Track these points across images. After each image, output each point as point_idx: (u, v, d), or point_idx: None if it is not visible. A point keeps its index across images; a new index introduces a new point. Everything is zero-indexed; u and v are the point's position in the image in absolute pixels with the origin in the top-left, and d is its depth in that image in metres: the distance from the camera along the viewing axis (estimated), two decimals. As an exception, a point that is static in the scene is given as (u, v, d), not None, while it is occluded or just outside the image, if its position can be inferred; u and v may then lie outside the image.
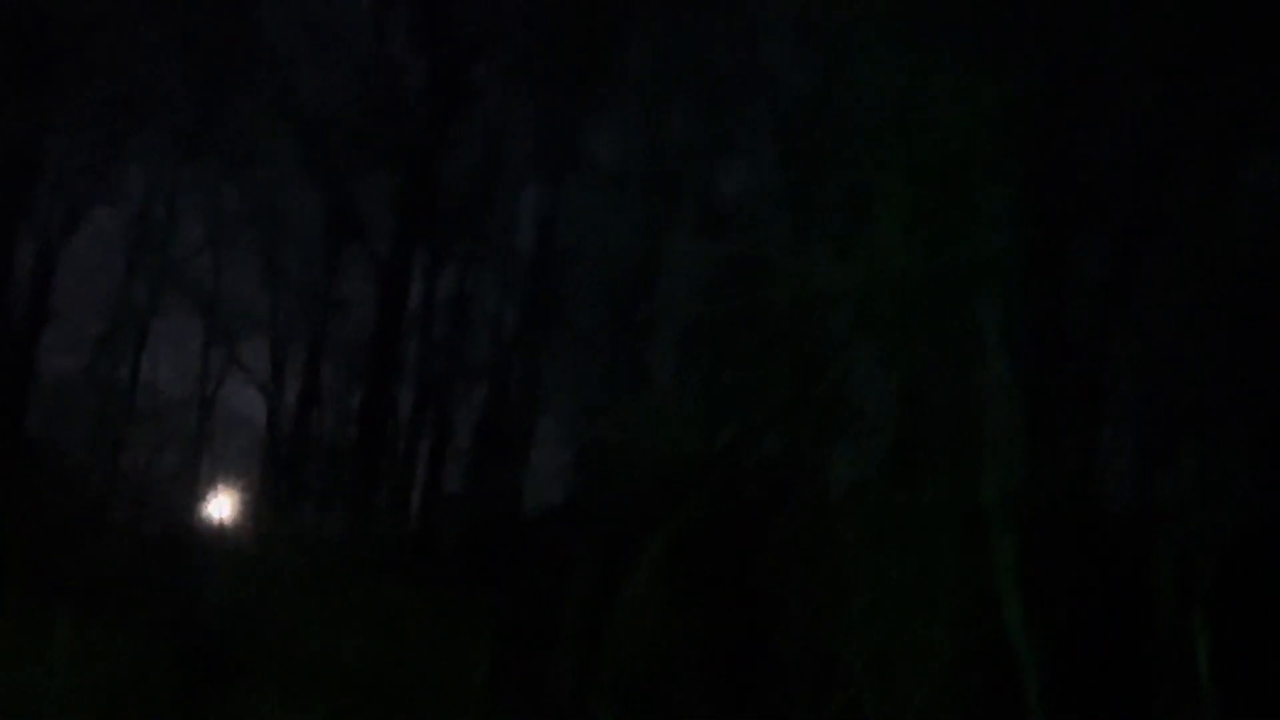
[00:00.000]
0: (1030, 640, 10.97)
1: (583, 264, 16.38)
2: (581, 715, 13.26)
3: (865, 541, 11.63)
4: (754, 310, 13.05)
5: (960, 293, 11.65)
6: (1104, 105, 11.34)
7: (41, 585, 14.35)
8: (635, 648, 13.19)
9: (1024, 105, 11.26)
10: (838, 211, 12.33)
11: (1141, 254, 11.59)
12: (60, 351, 19.43)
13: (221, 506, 20.79)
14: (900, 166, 11.71)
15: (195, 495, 20.65)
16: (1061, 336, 11.85)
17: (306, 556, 16.06)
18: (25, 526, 15.29)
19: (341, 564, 15.65)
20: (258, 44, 18.21)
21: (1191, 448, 11.04)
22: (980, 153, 11.27)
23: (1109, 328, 11.85)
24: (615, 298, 16.05)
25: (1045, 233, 11.79)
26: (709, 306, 14.09)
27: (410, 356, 18.69)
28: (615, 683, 13.15)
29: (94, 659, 13.84)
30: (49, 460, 18.86)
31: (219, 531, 20.17)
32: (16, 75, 16.83)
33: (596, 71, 15.84)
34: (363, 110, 17.81)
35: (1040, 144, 11.37)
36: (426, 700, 14.05)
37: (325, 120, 17.72)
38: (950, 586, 11.39)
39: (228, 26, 17.77)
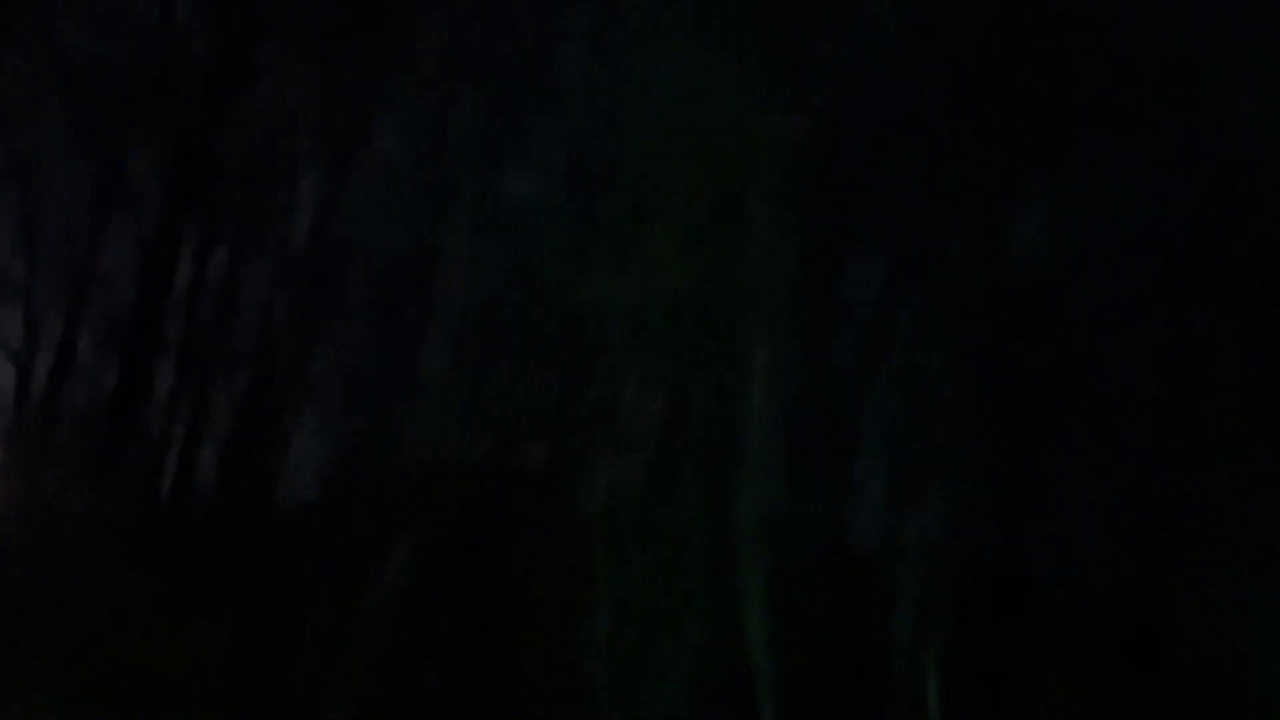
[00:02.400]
0: (771, 667, 11.02)
1: (359, 257, 16.06)
2: (318, 717, 12.96)
3: (616, 557, 11.57)
4: (528, 318, 12.93)
5: (730, 318, 11.70)
6: (882, 148, 11.52)
7: None
8: (378, 650, 12.95)
9: (805, 140, 11.35)
10: (618, 227, 12.30)
11: (907, 296, 11.78)
12: None
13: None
14: (680, 188, 11.72)
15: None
16: (825, 369, 11.97)
17: (45, 535, 15.49)
18: None
19: (81, 545, 15.10)
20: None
21: (938, 489, 11.22)
22: (759, 182, 11.34)
23: (871, 365, 12.01)
24: (389, 294, 15.78)
25: (817, 266, 11.90)
26: (483, 310, 13.92)
27: (173, 337, 18.10)
28: (355, 684, 12.89)
29: None
30: None
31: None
32: None
33: (385, 61, 15.56)
34: (140, 77, 17.19)
35: (818, 180, 11.48)
36: (157, 690, 13.63)
37: (99, 83, 17.04)
38: (697, 608, 11.40)
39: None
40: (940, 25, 10.96)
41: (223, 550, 16.48)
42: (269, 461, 19.00)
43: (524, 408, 12.72)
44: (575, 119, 13.64)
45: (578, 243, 12.96)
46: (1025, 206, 11.15)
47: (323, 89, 17.37)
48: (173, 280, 18.74)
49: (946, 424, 11.19)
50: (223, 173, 17.84)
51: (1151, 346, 10.35)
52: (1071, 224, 10.90)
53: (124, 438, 18.44)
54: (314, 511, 16.66)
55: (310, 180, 18.47)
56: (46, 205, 18.87)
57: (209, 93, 17.75)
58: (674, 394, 12.14)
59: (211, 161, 17.65)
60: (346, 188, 17.45)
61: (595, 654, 11.97)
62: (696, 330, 11.98)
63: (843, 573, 11.43)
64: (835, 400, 11.87)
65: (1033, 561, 11.07)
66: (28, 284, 19.26)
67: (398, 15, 16.13)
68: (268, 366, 18.98)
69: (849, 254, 11.90)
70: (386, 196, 15.45)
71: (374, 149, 16.86)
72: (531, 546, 12.31)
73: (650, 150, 12.30)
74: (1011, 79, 10.58)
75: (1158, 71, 10.10)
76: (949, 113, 10.97)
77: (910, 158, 11.55)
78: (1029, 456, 11.16)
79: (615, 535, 11.94)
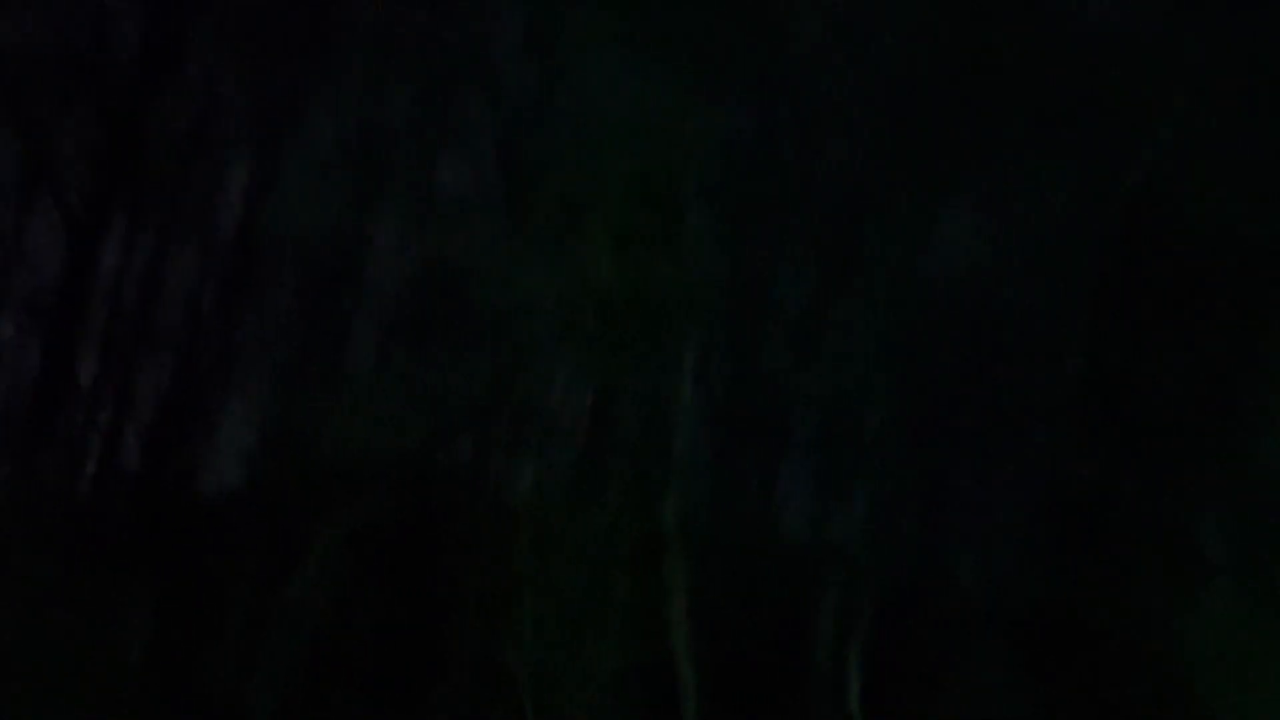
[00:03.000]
0: (694, 664, 11.07)
1: (288, 245, 15.91)
2: (239, 707, 12.84)
3: (542, 550, 11.58)
4: (458, 310, 12.89)
5: (661, 315, 11.74)
6: (815, 151, 11.60)
7: None
8: (301, 640, 12.85)
9: (738, 140, 11.43)
10: (550, 221, 12.27)
11: (837, 297, 11.86)
12: None
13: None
14: (614, 185, 11.74)
15: None
16: (754, 368, 12.03)
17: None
18: None
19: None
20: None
21: (863, 488, 11.33)
22: (692, 181, 11.40)
23: (800, 364, 12.08)
24: (318, 283, 15.65)
25: (749, 266, 11.97)
26: (413, 301, 13.86)
27: (97, 322, 17.83)
28: (277, 674, 12.78)
29: None
30: None
31: None
32: None
33: (318, 49, 15.41)
34: (69, 58, 16.88)
35: (751, 180, 11.55)
36: (73, 681, 13.44)
37: (27, 63, 16.71)
38: (622, 604, 11.43)
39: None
40: (873, 30, 11.06)
41: (145, 538, 16.29)
42: (193, 449, 18.79)
43: (452, 399, 12.68)
44: (509, 112, 13.60)
45: (510, 236, 12.93)
46: (953, 211, 11.27)
47: (253, 75, 17.18)
48: (98, 265, 18.51)
49: (873, 424, 11.29)
50: (151, 157, 17.61)
51: (1072, 351, 10.51)
52: (997, 229, 11.03)
53: (46, 424, 18.17)
54: (238, 500, 16.51)
55: (240, 167, 18.30)
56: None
57: (138, 76, 17.51)
58: (603, 389, 12.14)
59: (140, 145, 17.43)
60: (276, 175, 17.30)
61: (519, 646, 11.96)
62: (627, 326, 11.99)
63: (767, 569, 11.50)
64: (764, 399, 11.94)
65: (953, 560, 11.21)
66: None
67: (332, 3, 15.98)
68: (193, 353, 18.78)
69: (780, 254, 11.98)
70: (317, 185, 15.33)
71: (305, 137, 16.72)
72: (457, 538, 12.28)
73: (584, 146, 12.29)
74: (941, 86, 10.70)
75: (1083, 80, 10.25)
76: (880, 116, 11.07)
77: (842, 160, 11.65)
78: (952, 458, 11.29)
79: (541, 528, 11.93)
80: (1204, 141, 9.89)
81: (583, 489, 11.87)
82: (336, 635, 13.05)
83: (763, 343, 12.16)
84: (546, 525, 11.75)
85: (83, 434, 17.70)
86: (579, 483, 11.88)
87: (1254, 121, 9.68)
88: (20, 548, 14.47)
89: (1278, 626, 9.47)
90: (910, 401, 11.36)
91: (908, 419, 11.31)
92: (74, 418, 17.76)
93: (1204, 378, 9.71)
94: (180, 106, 17.19)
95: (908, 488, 11.32)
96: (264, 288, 16.58)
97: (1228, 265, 9.75)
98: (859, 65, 11.05)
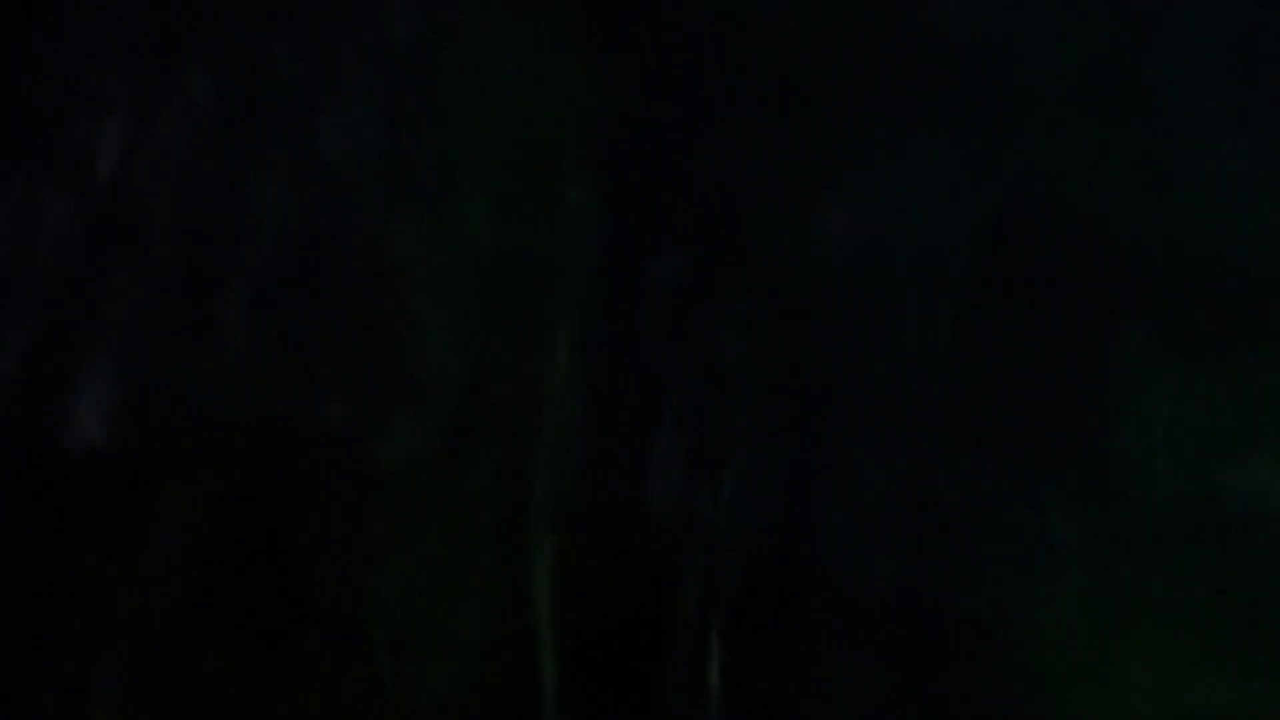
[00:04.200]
0: (556, 635, 11.13)
1: (163, 201, 15.64)
2: (89, 669, 12.66)
3: (409, 518, 11.57)
4: (334, 272, 12.80)
5: (539, 286, 11.75)
6: (696, 131, 11.67)
7: None
8: (157, 603, 12.71)
9: (623, 110, 11.46)
10: (432, 187, 12.24)
11: (716, 274, 11.95)
12: None
13: None
14: (497, 151, 11.73)
15: None
16: (630, 341, 12.09)
17: None
18: None
19: None
20: None
21: (735, 465, 11.45)
22: (574, 154, 11.41)
23: (677, 339, 12.16)
24: (192, 240, 15.41)
25: (628, 238, 12.01)
26: (289, 262, 13.71)
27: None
28: (131, 638, 12.63)
29: None
30: None
31: None
32: None
33: (200, 2, 15.17)
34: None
35: (634, 152, 11.59)
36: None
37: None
38: (487, 574, 11.46)
39: None
40: (758, 12, 11.16)
41: (1, 493, 16.00)
42: (54, 405, 18.42)
43: (324, 362, 12.59)
44: (394, 73, 13.49)
45: (390, 199, 12.86)
46: (831, 197, 11.40)
47: (132, 27, 16.83)
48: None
49: (746, 404, 11.41)
50: (22, 107, 17.21)
51: (939, 341, 10.70)
52: (874, 217, 11.19)
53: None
54: (99, 456, 16.23)
55: (117, 117, 17.91)
56: None
57: (8, 22, 17.06)
58: (477, 358, 12.13)
59: (10, 95, 17.01)
60: (154, 127, 16.99)
61: (381, 613, 11.94)
62: (504, 295, 12.00)
63: (633, 543, 11.58)
64: (639, 374, 12.00)
65: (819, 544, 11.36)
66: None
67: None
68: (60, 306, 18.40)
69: (660, 232, 12.04)
70: (195, 139, 15.08)
71: (184, 89, 16.42)
72: (323, 502, 12.20)
73: (469, 111, 12.26)
74: (823, 71, 10.82)
75: (964, 74, 10.43)
76: (762, 100, 11.17)
77: (722, 142, 11.72)
78: (821, 440, 11.44)
79: (409, 495, 11.91)
80: (1076, 140, 10.14)
81: (452, 457, 11.86)
82: (195, 596, 12.94)
83: (640, 318, 12.22)
84: (414, 492, 11.74)
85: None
86: (449, 450, 11.86)
87: (1124, 121, 9.94)
88: None
89: (1128, 619, 9.76)
90: (783, 383, 11.51)
91: (781, 400, 11.47)
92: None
93: (1066, 372, 9.96)
94: (54, 58, 16.82)
95: (777, 468, 11.47)
96: (136, 241, 16.30)
97: (1093, 263, 10.00)
98: (743, 49, 11.18)
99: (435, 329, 12.13)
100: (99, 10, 17.51)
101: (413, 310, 12.12)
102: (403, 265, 12.06)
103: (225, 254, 15.30)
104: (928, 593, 10.37)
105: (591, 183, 11.36)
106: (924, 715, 10.33)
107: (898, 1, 10.28)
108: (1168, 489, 8.89)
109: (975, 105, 9.99)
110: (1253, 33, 9.71)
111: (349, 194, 13.21)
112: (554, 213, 11.42)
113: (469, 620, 11.23)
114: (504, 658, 11.24)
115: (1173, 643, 9.28)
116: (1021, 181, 9.78)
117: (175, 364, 14.05)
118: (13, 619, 13.09)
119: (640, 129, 11.60)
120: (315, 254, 13.36)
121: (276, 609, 12.45)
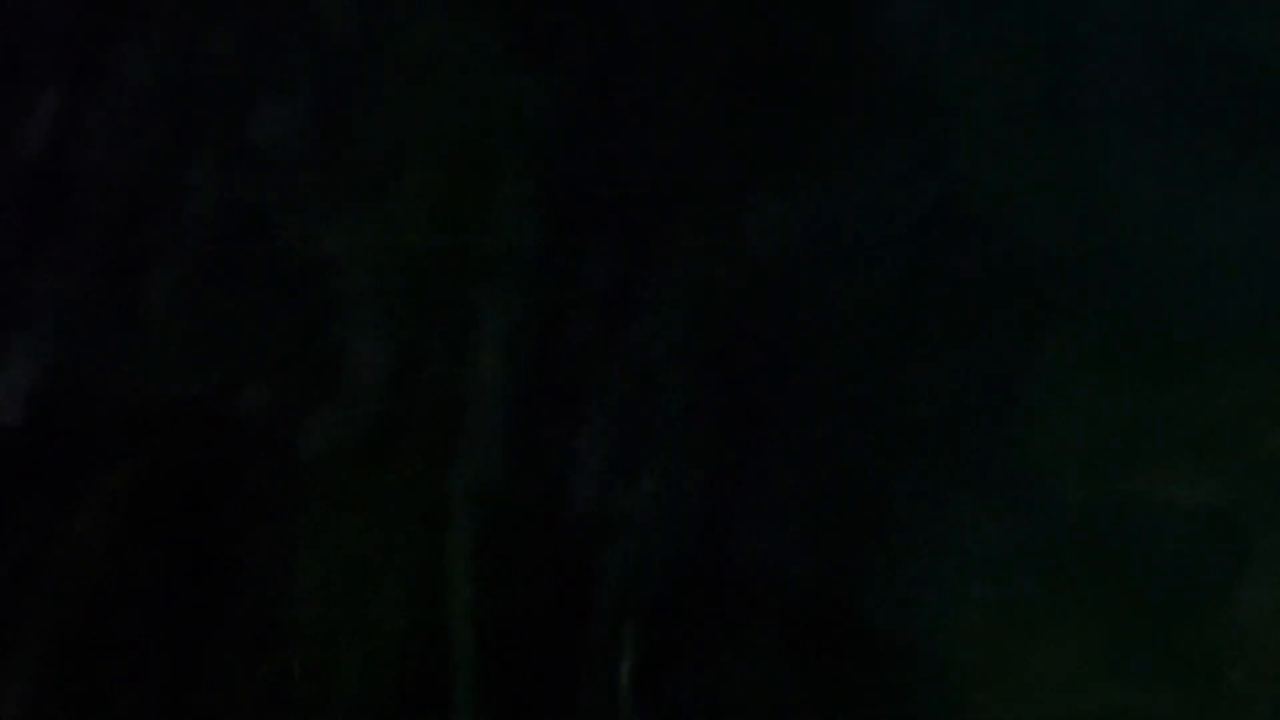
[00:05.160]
0: (472, 630, 11.11)
1: (92, 180, 15.48)
2: (7, 650, 12.52)
3: (330, 509, 11.54)
4: (264, 259, 12.74)
5: (469, 279, 11.77)
6: (636, 126, 11.73)
7: None
8: (76, 588, 12.58)
9: (559, 109, 11.50)
10: (366, 177, 12.22)
11: (645, 274, 12.00)
12: None
13: None
14: (432, 144, 11.74)
15: None
16: (558, 340, 12.11)
17: None
18: None
19: None
20: None
21: (656, 465, 11.50)
22: (507, 150, 11.44)
23: (604, 338, 12.19)
24: (121, 222, 15.26)
25: (561, 237, 12.05)
26: (219, 247, 13.64)
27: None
28: (49, 623, 12.49)
29: None
30: None
31: None
32: None
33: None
34: None
35: (569, 150, 11.63)
36: None
37: None
38: (406, 567, 11.43)
39: None
40: (697, 15, 11.23)
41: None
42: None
43: (248, 350, 12.52)
44: (331, 64, 13.43)
45: (323, 188, 12.81)
46: (760, 201, 11.46)
47: (65, 5, 16.63)
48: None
49: (669, 405, 11.44)
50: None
51: (867, 348, 10.81)
52: (804, 220, 11.26)
53: None
54: (18, 437, 16.04)
55: (47, 98, 17.69)
56: None
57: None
58: (405, 349, 12.11)
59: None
60: (87, 107, 16.80)
61: (301, 604, 11.86)
62: (434, 288, 11.97)
63: (553, 541, 11.58)
64: (566, 371, 12.03)
65: (736, 545, 11.42)
66: None
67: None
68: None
69: (593, 231, 12.08)
70: (127, 121, 14.94)
71: (119, 71, 16.24)
72: (244, 489, 12.11)
73: (405, 104, 12.24)
74: (759, 74, 10.88)
75: (898, 82, 10.54)
76: (698, 101, 11.23)
77: (658, 143, 11.79)
78: (743, 443, 11.50)
79: (331, 486, 11.85)
80: (1005, 153, 10.27)
81: (375, 449, 11.82)
82: (113, 582, 12.82)
83: (569, 316, 12.23)
84: (336, 482, 11.70)
85: None
86: (371, 442, 11.83)
87: (1051, 137, 10.08)
88: None
89: (1034, 625, 9.87)
90: (707, 384, 11.57)
91: (704, 401, 11.52)
92: None
93: (984, 379, 10.08)
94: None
95: (698, 469, 11.51)
96: (62, 222, 16.10)
97: (1016, 274, 10.13)
98: (682, 52, 11.22)
99: (362, 321, 12.09)
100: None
101: (340, 301, 12.09)
102: (332, 256, 12.03)
103: (152, 238, 15.17)
104: (839, 595, 10.46)
105: (526, 181, 11.39)
106: (832, 717, 10.40)
107: (835, 8, 10.37)
108: (1076, 497, 9.03)
109: (908, 113, 10.11)
110: (1179, 53, 9.88)
111: (281, 182, 13.14)
112: (487, 210, 11.43)
113: (385, 611, 11.18)
114: (418, 650, 11.22)
115: (1076, 648, 9.43)
116: (950, 191, 9.90)
117: (97, 347, 13.91)
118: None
119: (576, 128, 11.65)
120: (244, 241, 13.28)
121: (195, 596, 12.36)
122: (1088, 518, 9.63)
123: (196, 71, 14.20)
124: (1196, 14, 10.33)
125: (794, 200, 11.30)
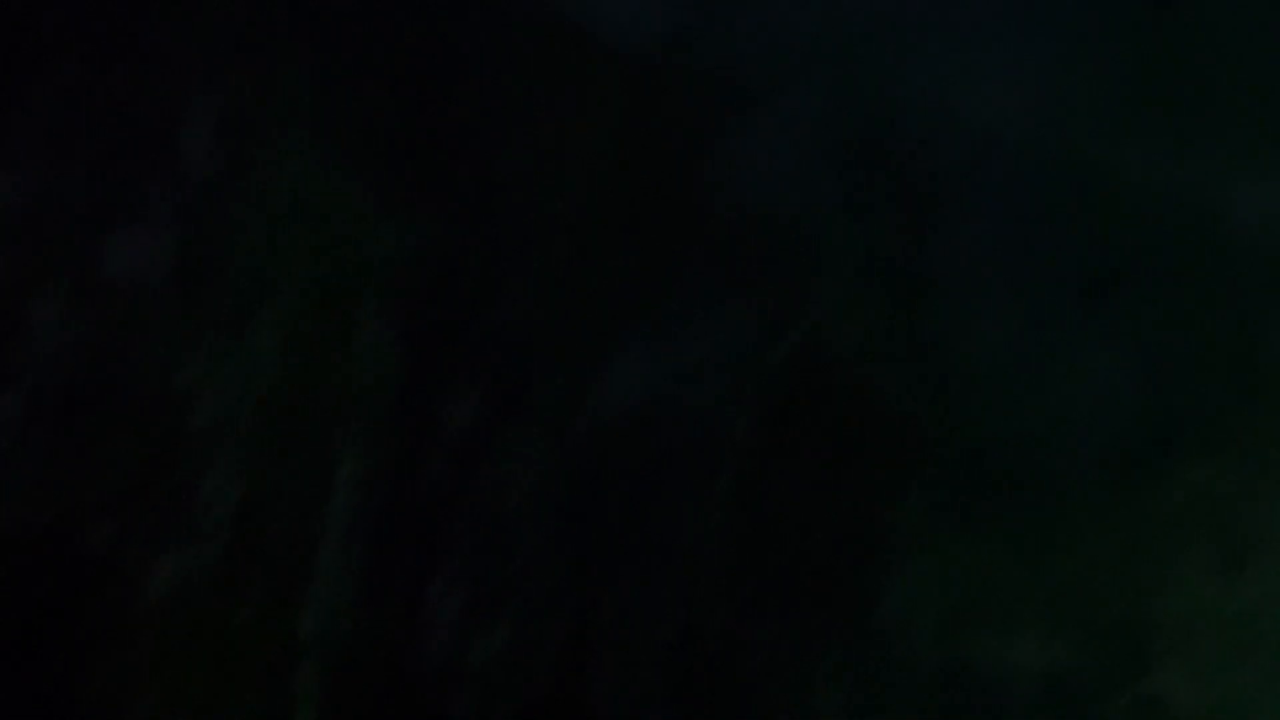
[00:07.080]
0: (316, 781, 10.81)
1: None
2: None
3: (174, 648, 11.19)
4: (115, 392, 12.45)
5: (323, 419, 11.61)
6: (498, 272, 11.76)
7: None
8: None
9: (422, 250, 11.49)
10: (223, 313, 12.05)
11: (503, 422, 11.96)
12: None
13: None
14: (290, 282, 11.63)
15: None
16: (413, 485, 11.98)
17: None
18: None
19: None
20: None
21: (510, 618, 11.36)
22: (369, 292, 11.39)
23: (459, 484, 12.08)
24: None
25: (420, 379, 11.97)
26: (68, 378, 13.31)
27: None
28: None
29: None
30: None
31: None
32: None
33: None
34: None
35: (431, 292, 11.61)
36: None
37: None
38: (249, 712, 11.11)
39: None
40: (565, 161, 11.35)
41: None
42: None
43: (95, 483, 12.18)
44: (190, 198, 13.30)
45: (177, 323, 12.61)
46: (623, 348, 11.53)
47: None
48: None
49: (524, 557, 11.36)
50: None
51: (723, 502, 10.85)
52: (663, 371, 11.35)
53: None
54: None
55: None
56: None
57: None
58: (255, 489, 11.88)
59: None
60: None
61: (137, 748, 11.47)
62: (287, 428, 11.80)
63: (403, 693, 11.35)
64: (419, 516, 11.88)
65: (590, 698, 11.30)
66: None
67: (19, 58, 15.37)
68: None
69: (452, 376, 12.02)
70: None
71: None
72: (85, 627, 11.74)
73: (263, 240, 12.13)
74: (621, 223, 11.02)
75: (760, 236, 10.73)
76: (560, 251, 11.31)
77: (519, 290, 11.82)
78: (598, 596, 11.45)
79: (175, 625, 11.52)
80: (860, 313, 10.48)
81: (221, 590, 11.53)
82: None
83: (424, 459, 12.12)
84: (181, 620, 11.37)
85: None
86: (218, 582, 11.53)
87: (907, 299, 10.31)
88: None
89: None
90: (562, 536, 11.50)
91: (559, 554, 11.44)
92: None
93: (840, 536, 10.17)
94: None
95: (552, 622, 11.40)
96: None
97: (872, 433, 10.29)
98: (546, 200, 11.33)
99: (214, 457, 11.86)
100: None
101: (192, 437, 11.85)
102: (186, 391, 11.80)
103: (7, 366, 14.79)
104: (692, 751, 10.36)
105: (387, 321, 11.33)
106: None
107: (699, 164, 10.58)
108: (924, 657, 9.12)
109: (768, 266, 10.29)
110: (1031, 220, 10.23)
111: (135, 315, 12.91)
112: (347, 348, 11.33)
113: (227, 759, 10.84)
114: (261, 801, 10.88)
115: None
116: (806, 350, 10.06)
117: (-64, 476, 13.47)
118: None
119: (439, 270, 11.64)
120: (95, 373, 13.00)
121: (24, 736, 11.89)
122: (934, 680, 9.73)
123: (50, 199, 13.95)
124: (1053, 176, 10.70)
125: (653, 350, 11.40)
